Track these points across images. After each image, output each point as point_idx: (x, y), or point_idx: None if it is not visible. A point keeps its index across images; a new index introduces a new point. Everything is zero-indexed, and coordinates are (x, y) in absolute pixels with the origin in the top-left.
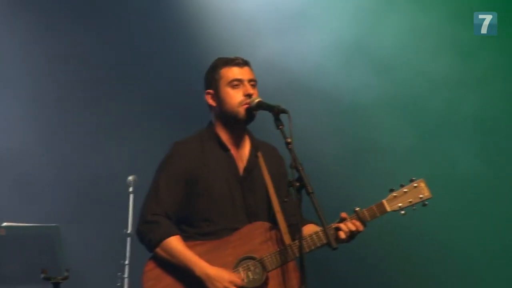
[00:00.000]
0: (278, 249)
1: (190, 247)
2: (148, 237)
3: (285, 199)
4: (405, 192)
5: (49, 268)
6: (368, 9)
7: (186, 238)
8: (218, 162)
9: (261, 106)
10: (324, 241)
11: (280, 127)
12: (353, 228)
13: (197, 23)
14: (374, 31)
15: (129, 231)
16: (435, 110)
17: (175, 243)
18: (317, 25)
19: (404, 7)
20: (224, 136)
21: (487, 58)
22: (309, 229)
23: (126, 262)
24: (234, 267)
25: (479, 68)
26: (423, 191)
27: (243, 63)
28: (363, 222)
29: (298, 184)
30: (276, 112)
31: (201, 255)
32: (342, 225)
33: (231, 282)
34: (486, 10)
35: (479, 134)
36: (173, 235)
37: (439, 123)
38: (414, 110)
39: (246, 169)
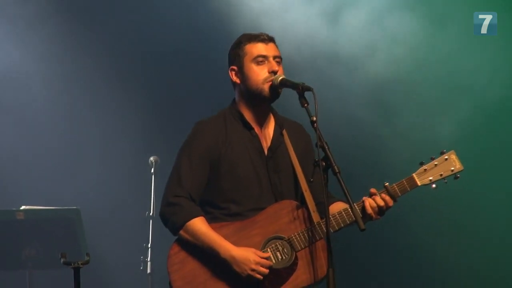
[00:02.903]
0: (306, 228)
1: (216, 229)
2: (172, 219)
3: (311, 179)
4: (436, 165)
5: (69, 253)
6: (369, 10)
7: (211, 219)
8: (242, 142)
9: (284, 83)
10: (353, 219)
11: (305, 105)
12: (381, 203)
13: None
14: (374, 31)
15: (151, 214)
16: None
17: (199, 224)
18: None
19: (403, 8)
20: (247, 114)
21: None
22: (338, 206)
23: (149, 245)
24: (262, 248)
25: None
26: (454, 163)
27: (268, 39)
28: (393, 197)
29: (324, 163)
30: (301, 89)
31: (227, 237)
32: (370, 200)
33: (258, 263)
34: (486, 10)
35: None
36: (196, 216)
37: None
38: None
39: (271, 148)
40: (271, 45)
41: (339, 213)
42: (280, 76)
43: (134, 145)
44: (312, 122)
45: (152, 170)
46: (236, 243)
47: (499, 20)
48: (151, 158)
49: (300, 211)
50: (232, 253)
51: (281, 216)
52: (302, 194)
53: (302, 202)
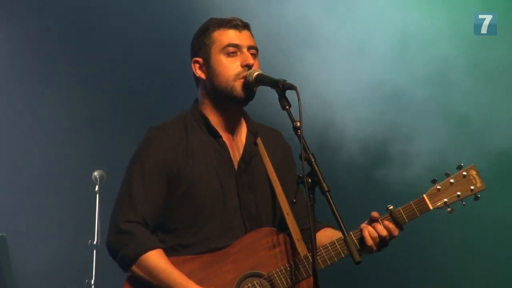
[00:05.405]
0: (291, 263)
1: (178, 264)
2: (122, 252)
3: (293, 199)
4: (452, 183)
5: None
6: (367, 10)
7: (167, 250)
8: (206, 152)
9: (261, 80)
10: (346, 253)
11: (287, 107)
12: (384, 232)
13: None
14: (373, 31)
15: (95, 242)
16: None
17: (156, 259)
18: None
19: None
20: (214, 118)
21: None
22: (327, 234)
23: (92, 281)
24: None
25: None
26: (474, 181)
27: (243, 25)
28: (399, 224)
29: (310, 180)
30: (281, 88)
31: (192, 274)
32: (369, 228)
33: None
34: (486, 10)
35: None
36: (153, 248)
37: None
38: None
39: (242, 160)
40: (245, 32)
41: (332, 244)
42: (256, 71)
43: (74, 157)
44: (295, 128)
45: (97, 188)
46: (202, 282)
47: (499, 20)
48: (95, 173)
49: (282, 240)
50: None
51: (260, 248)
52: (282, 218)
53: (283, 228)
